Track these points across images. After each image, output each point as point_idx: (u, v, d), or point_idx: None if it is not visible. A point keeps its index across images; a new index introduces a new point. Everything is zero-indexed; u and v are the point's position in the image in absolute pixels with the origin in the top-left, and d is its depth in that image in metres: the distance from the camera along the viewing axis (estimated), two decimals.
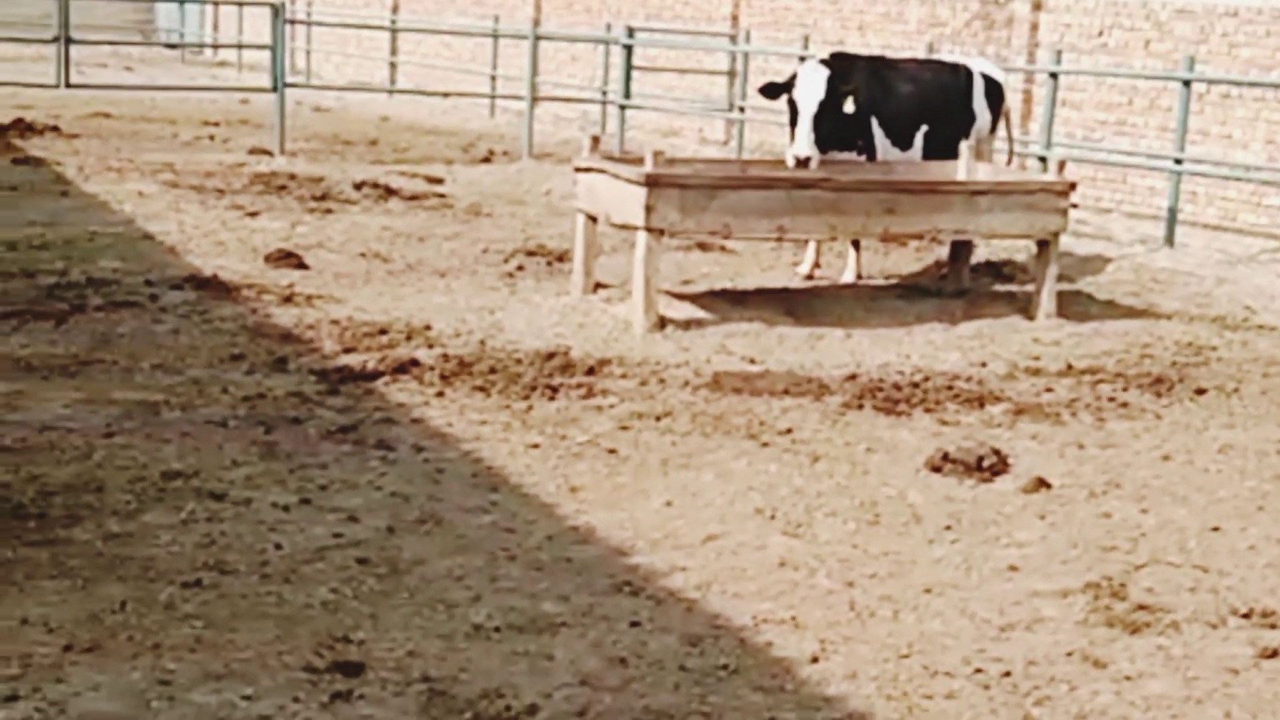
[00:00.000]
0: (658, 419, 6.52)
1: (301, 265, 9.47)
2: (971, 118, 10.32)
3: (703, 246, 10.74)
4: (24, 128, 15.60)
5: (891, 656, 4.25)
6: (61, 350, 7.09)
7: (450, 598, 4.49)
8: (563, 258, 10.09)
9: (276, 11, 15.36)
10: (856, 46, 15.42)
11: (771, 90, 9.75)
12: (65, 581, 4.41)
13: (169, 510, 5.07)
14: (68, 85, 15.30)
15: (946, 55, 12.39)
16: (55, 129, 15.78)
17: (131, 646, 4.00)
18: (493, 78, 20.91)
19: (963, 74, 10.39)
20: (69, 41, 15.12)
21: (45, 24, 20.16)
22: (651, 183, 8.21)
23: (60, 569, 4.50)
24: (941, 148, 9.99)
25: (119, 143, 15.34)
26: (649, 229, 8.21)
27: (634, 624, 4.37)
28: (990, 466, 5.98)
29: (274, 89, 15.37)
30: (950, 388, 7.27)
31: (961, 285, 9.74)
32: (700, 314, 8.54)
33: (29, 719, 3.59)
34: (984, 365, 7.83)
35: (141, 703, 3.70)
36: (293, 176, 13.29)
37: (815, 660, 4.20)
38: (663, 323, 8.19)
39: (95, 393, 6.43)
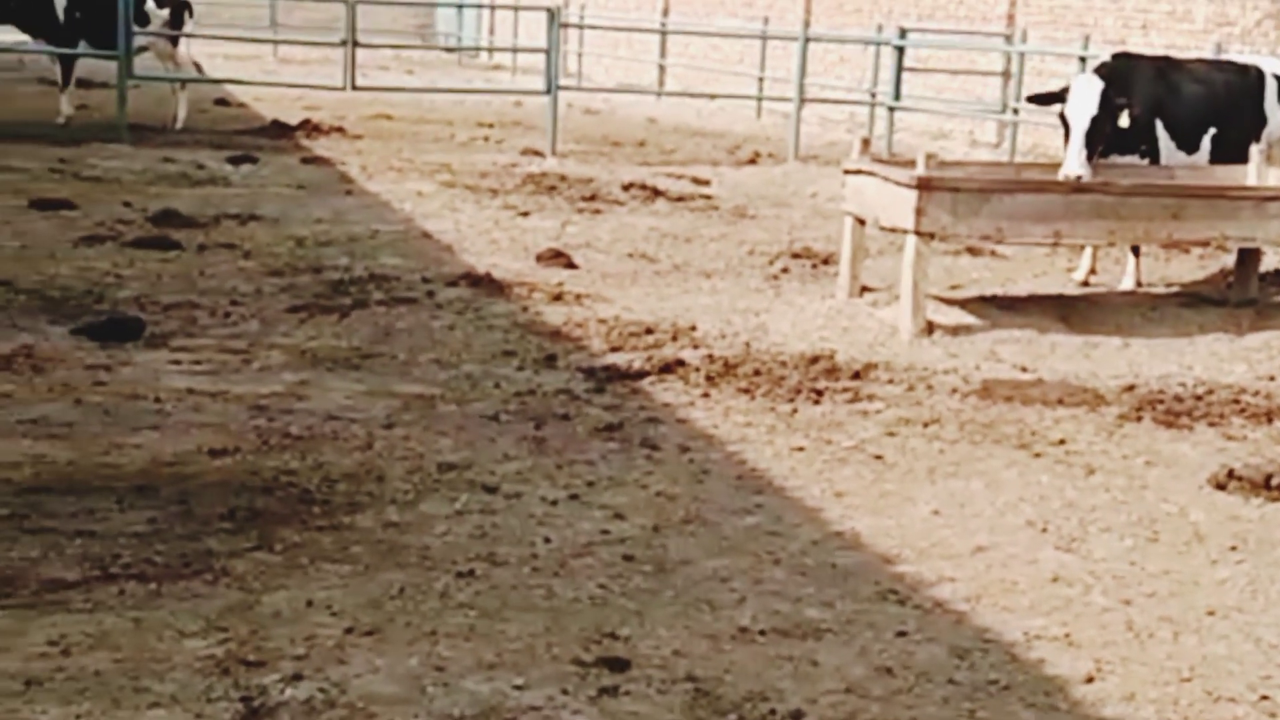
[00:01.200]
0: (925, 426, 6.42)
1: (571, 264, 9.64)
2: (1262, 120, 9.87)
3: (972, 251, 10.53)
4: (311, 128, 16.29)
5: (1171, 679, 4.09)
6: (345, 343, 7.37)
7: (715, 599, 4.50)
8: (828, 260, 10.02)
9: (552, 15, 15.67)
10: (1139, 46, 14.89)
11: (1042, 100, 9.49)
12: (347, 566, 4.58)
13: (444, 501, 5.22)
14: (353, 88, 15.92)
15: (1236, 55, 11.87)
16: (340, 130, 16.43)
17: (409, 632, 4.13)
18: (760, 80, 20.92)
19: (1253, 75, 9.95)
20: (355, 45, 15.74)
21: (332, 28, 21.06)
22: (923, 186, 8.09)
23: (343, 554, 4.68)
24: (1230, 151, 9.58)
25: (399, 143, 15.88)
26: (919, 233, 8.09)
27: (900, 633, 4.30)
28: None
29: (547, 91, 15.70)
30: (1236, 401, 6.96)
31: (1248, 295, 9.31)
32: (969, 320, 8.37)
33: (312, 698, 3.73)
34: (1273, 379, 7.47)
35: (417, 688, 3.81)
36: (563, 177, 13.54)
37: (1090, 680, 4.07)
38: (930, 328, 8.05)
39: (376, 385, 6.66)
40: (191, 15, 16.19)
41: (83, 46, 15.39)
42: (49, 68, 17.07)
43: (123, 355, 6.87)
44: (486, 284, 8.90)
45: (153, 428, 5.86)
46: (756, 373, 7.10)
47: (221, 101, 18.49)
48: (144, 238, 9.65)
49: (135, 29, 14.79)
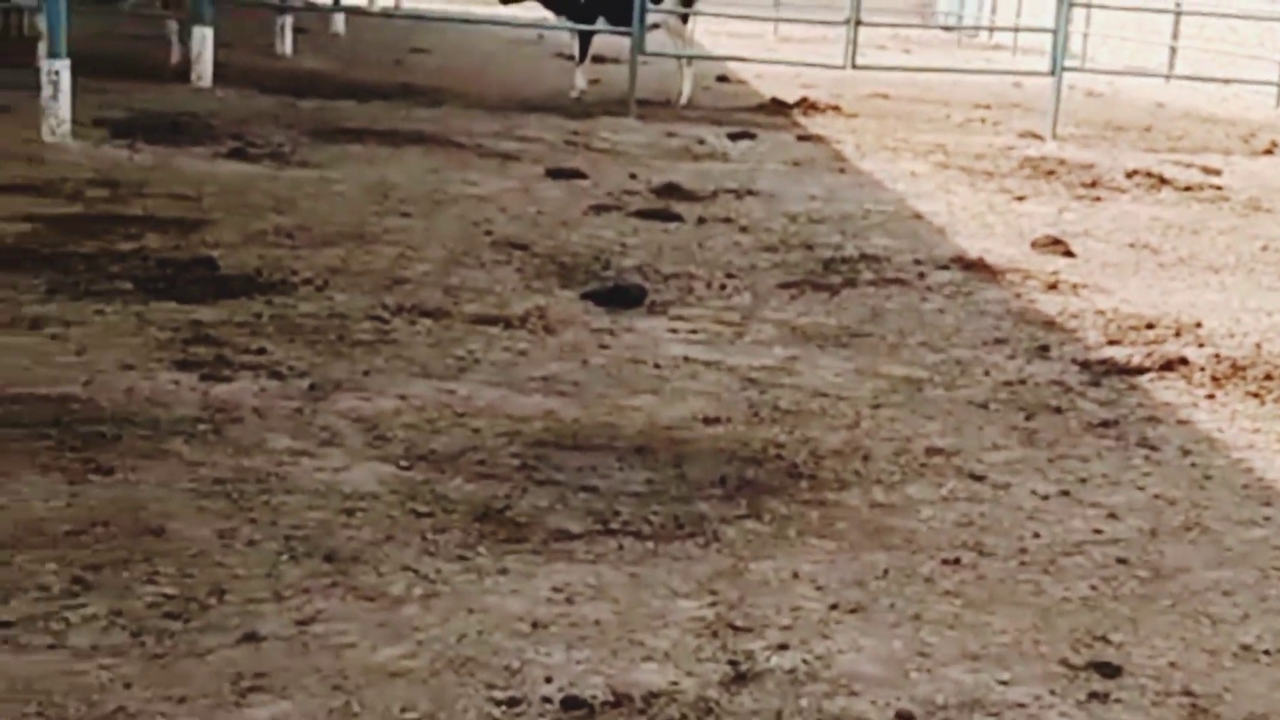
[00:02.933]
0: None
1: (1068, 253, 9.34)
2: None
3: None
4: (808, 106, 16.47)
5: None
6: (834, 321, 7.42)
7: (1215, 611, 4.27)
8: None
9: None
10: None
11: None
12: (832, 543, 4.62)
13: (930, 486, 5.18)
14: (853, 66, 15.98)
15: None
16: (836, 108, 16.53)
17: (893, 614, 4.13)
18: None
19: None
20: (858, 24, 15.78)
21: (832, 6, 21.19)
22: None
23: (829, 530, 4.72)
24: None
25: (894, 123, 15.83)
26: None
27: None
28: None
29: (1051, 72, 15.25)
30: None
31: None
32: None
33: (795, 669, 3.79)
34: None
35: (900, 671, 3.81)
36: (1062, 161, 13.13)
37: None
38: None
39: (864, 365, 6.68)
40: None
41: (600, 23, 16.15)
42: (567, 44, 17.99)
43: (625, 321, 7.18)
44: (979, 268, 8.75)
45: (651, 392, 6.09)
46: (1268, 376, 6.66)
47: (723, 79, 18.98)
48: (647, 209, 10.04)
49: (649, 6, 15.37)
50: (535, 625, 3.94)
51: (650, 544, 4.51)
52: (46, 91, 10.78)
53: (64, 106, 10.84)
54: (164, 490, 4.64)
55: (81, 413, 5.27)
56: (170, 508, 4.52)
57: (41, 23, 13.49)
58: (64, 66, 10.83)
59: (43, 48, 12.15)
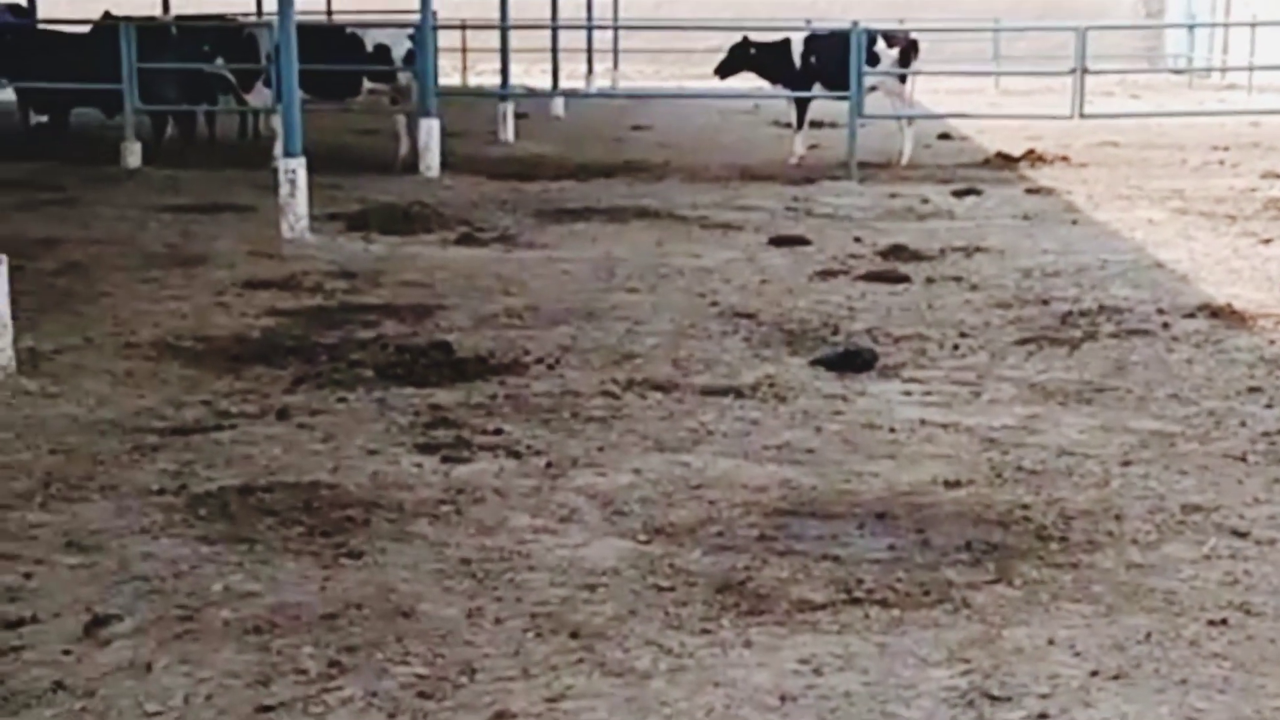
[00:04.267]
0: None
1: None
2: None
3: None
4: (1035, 158, 16.19)
5: None
6: (1076, 376, 7.25)
7: None
8: None
9: None
10: None
11: None
12: (1088, 607, 4.48)
13: (1190, 544, 5.00)
14: (1081, 115, 15.67)
15: None
16: (1064, 159, 16.22)
17: (1157, 680, 3.98)
18: None
19: None
20: (1085, 73, 15.49)
21: (1055, 56, 20.90)
22: None
23: (1084, 594, 4.58)
24: None
25: (1126, 170, 15.45)
26: None
27: None
28: None
29: None
30: None
31: None
32: None
33: None
34: None
35: None
36: None
37: None
38: None
39: (1110, 420, 6.50)
40: (918, 54, 16.58)
41: (816, 89, 16.20)
42: (784, 111, 18.07)
43: (858, 386, 7.13)
44: (1227, 315, 8.45)
45: (888, 457, 6.03)
46: None
47: (945, 136, 18.81)
48: (874, 271, 9.98)
49: (865, 70, 15.36)
50: (784, 698, 3.91)
51: (897, 612, 4.45)
52: (284, 190, 11.27)
53: (301, 203, 11.32)
54: (412, 571, 4.77)
55: (330, 498, 5.45)
56: (419, 588, 4.63)
57: (277, 124, 14.16)
58: (300, 165, 11.31)
59: (278, 148, 12.74)
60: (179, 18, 20.43)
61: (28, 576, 4.70)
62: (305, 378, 7.19)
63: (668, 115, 22.10)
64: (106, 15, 18.28)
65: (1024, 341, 7.97)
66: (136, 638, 4.26)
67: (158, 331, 8.09)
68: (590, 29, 26.46)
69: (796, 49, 16.29)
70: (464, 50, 27.01)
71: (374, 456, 5.98)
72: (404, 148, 15.78)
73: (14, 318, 7.12)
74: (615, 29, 28.65)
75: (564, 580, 4.71)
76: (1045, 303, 8.98)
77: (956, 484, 5.65)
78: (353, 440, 6.20)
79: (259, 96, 15.91)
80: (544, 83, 25.03)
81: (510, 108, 19.18)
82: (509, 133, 18.97)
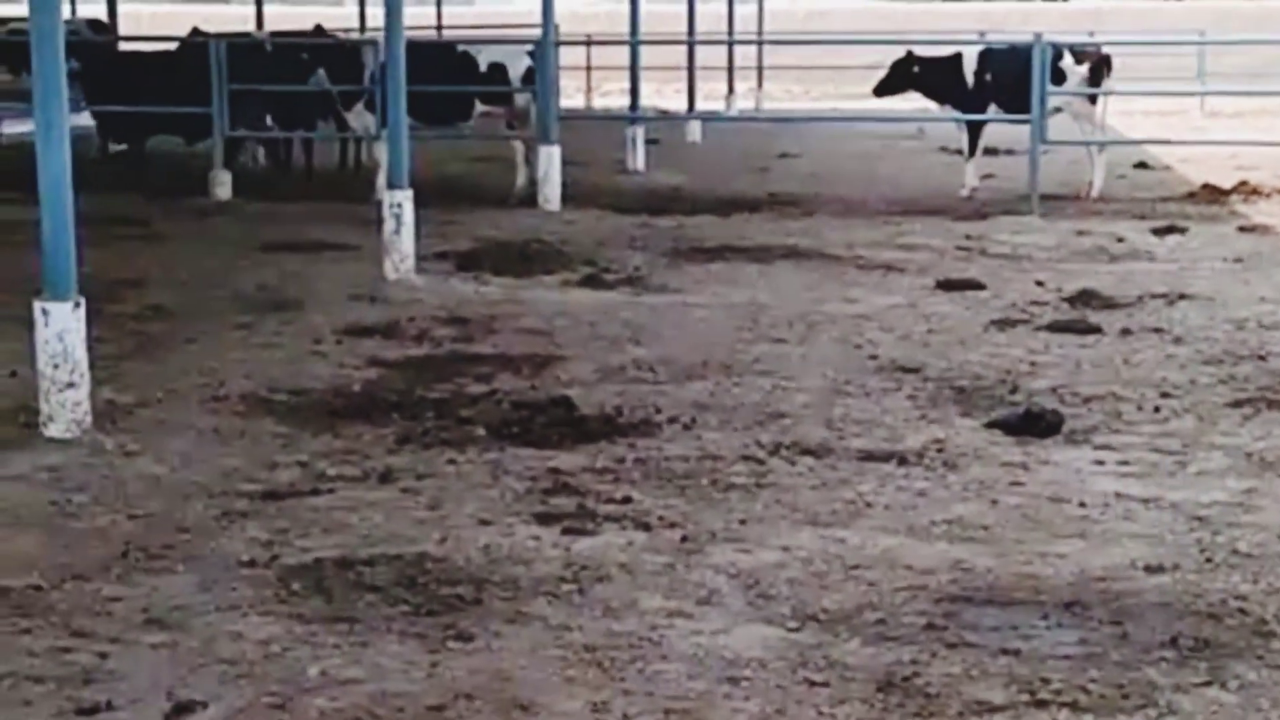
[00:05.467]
0: None
1: None
2: None
3: None
4: (1249, 191, 15.92)
5: None
6: None
7: None
8: None
9: None
10: None
11: None
12: None
13: None
14: None
15: None
16: None
17: None
18: None
19: None
20: None
21: (1269, 74, 20.59)
22: None
23: None
24: None
25: None
26: None
27: None
28: None
29: None
30: None
31: None
32: None
33: None
34: None
35: None
36: None
37: None
38: None
39: None
40: (1110, 71, 16.43)
41: (992, 111, 16.10)
42: (953, 136, 17.99)
43: (1040, 453, 7.04)
44: None
45: (1078, 536, 5.94)
46: None
47: (1141, 165, 18.58)
48: (1059, 320, 9.87)
49: (1050, 89, 15.23)
50: None
51: (1089, 717, 4.37)
52: (389, 226, 11.46)
53: (406, 241, 11.50)
54: (529, 658, 4.79)
55: (438, 573, 5.50)
56: (537, 678, 4.65)
57: (380, 152, 14.41)
58: (406, 198, 11.50)
59: (381, 178, 12.95)
60: (274, 33, 20.92)
61: (104, 656, 4.81)
62: (410, 437, 7.28)
63: (819, 141, 22.12)
64: (195, 31, 18.80)
65: (1238, 404, 7.84)
66: None
67: (248, 383, 8.25)
68: (731, 44, 26.63)
69: (969, 65, 16.21)
70: (588, 68, 27.32)
71: (486, 527, 6.03)
72: (521, 178, 15.97)
73: (91, 366, 7.31)
74: (759, 44, 28.81)
75: (701, 672, 4.70)
76: (1262, 358, 8.82)
77: (1159, 569, 5.56)
78: (463, 508, 6.26)
79: (359, 119, 16.20)
80: (678, 104, 25.24)
81: (640, 132, 19.33)
82: (639, 161, 19.11)
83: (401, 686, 4.60)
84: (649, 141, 19.70)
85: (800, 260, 12.37)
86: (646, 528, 6.01)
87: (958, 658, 4.79)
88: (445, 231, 13.32)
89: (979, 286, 11.12)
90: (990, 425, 7.46)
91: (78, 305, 7.20)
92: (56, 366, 7.11)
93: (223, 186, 15.85)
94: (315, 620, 5.09)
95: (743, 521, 6.09)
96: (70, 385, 7.13)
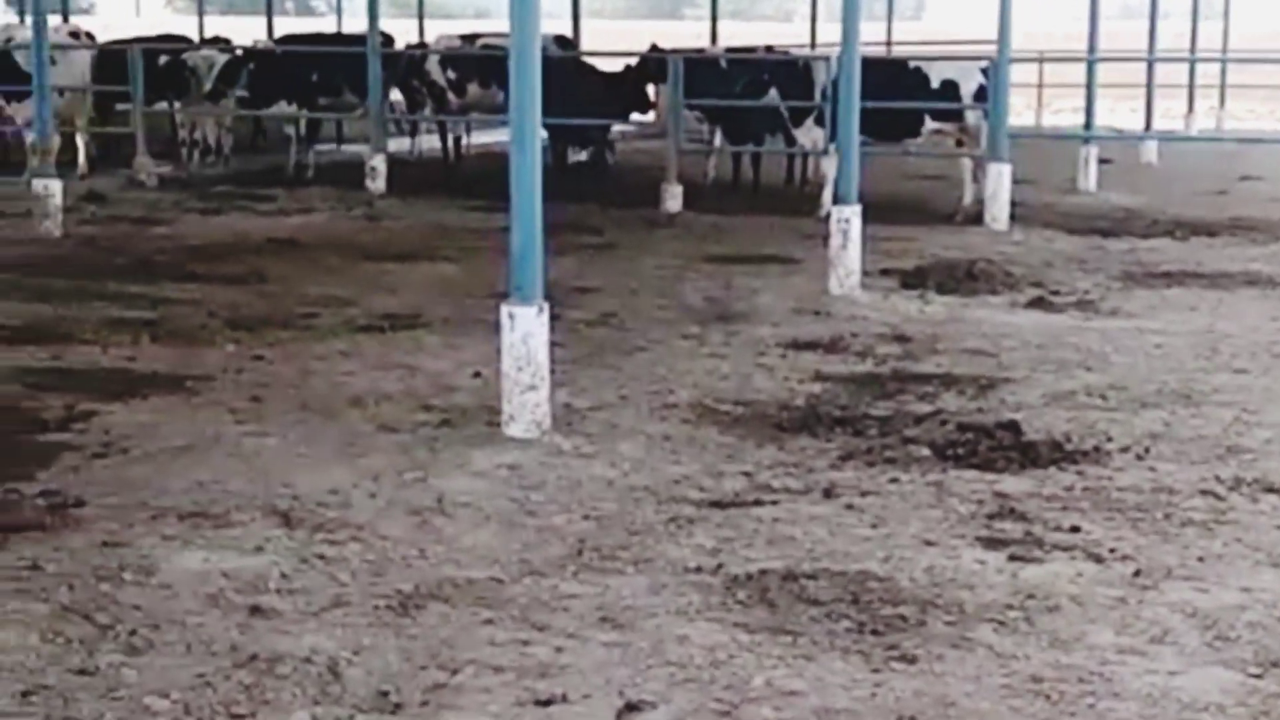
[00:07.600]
0: None
1: None
2: None
3: None
4: None
5: None
6: None
7: None
8: None
9: None
10: None
11: None
12: None
13: None
14: None
15: None
16: None
17: None
18: None
19: None
20: None
21: None
22: None
23: None
24: None
25: None
26: None
27: None
28: None
29: None
30: None
31: None
32: None
33: None
34: None
35: None
36: None
37: None
38: None
39: None
40: None
41: None
42: None
43: None
44: None
45: None
46: None
47: None
48: None
49: None
50: None
51: None
52: (835, 241, 11.50)
53: (853, 256, 11.51)
54: (974, 685, 4.72)
55: (881, 592, 5.48)
56: (982, 705, 4.58)
57: (828, 167, 14.52)
58: (854, 214, 11.51)
59: (828, 194, 13.01)
60: (729, 49, 21.29)
61: (559, 651, 4.97)
62: (853, 453, 7.28)
63: None
64: (653, 48, 19.31)
65: None
66: None
67: (696, 392, 8.41)
68: (1193, 61, 25.70)
69: None
70: (1039, 86, 26.82)
71: (930, 548, 5.97)
72: (968, 196, 15.78)
73: (550, 370, 7.58)
74: (1223, 61, 27.72)
75: (1155, 713, 4.54)
76: None
77: None
78: (906, 528, 6.22)
79: (808, 135, 16.33)
80: (1132, 123, 24.50)
81: (1094, 151, 18.85)
82: (1090, 181, 18.64)
83: (844, 703, 4.60)
84: (1101, 161, 19.17)
85: (1264, 288, 11.83)
86: (1098, 559, 5.84)
87: None
88: (889, 248, 13.28)
89: None
90: None
91: (541, 310, 7.47)
92: (520, 369, 7.39)
93: (674, 199, 16.19)
94: (759, 630, 5.14)
95: (1200, 559, 5.85)
96: (532, 387, 7.40)
